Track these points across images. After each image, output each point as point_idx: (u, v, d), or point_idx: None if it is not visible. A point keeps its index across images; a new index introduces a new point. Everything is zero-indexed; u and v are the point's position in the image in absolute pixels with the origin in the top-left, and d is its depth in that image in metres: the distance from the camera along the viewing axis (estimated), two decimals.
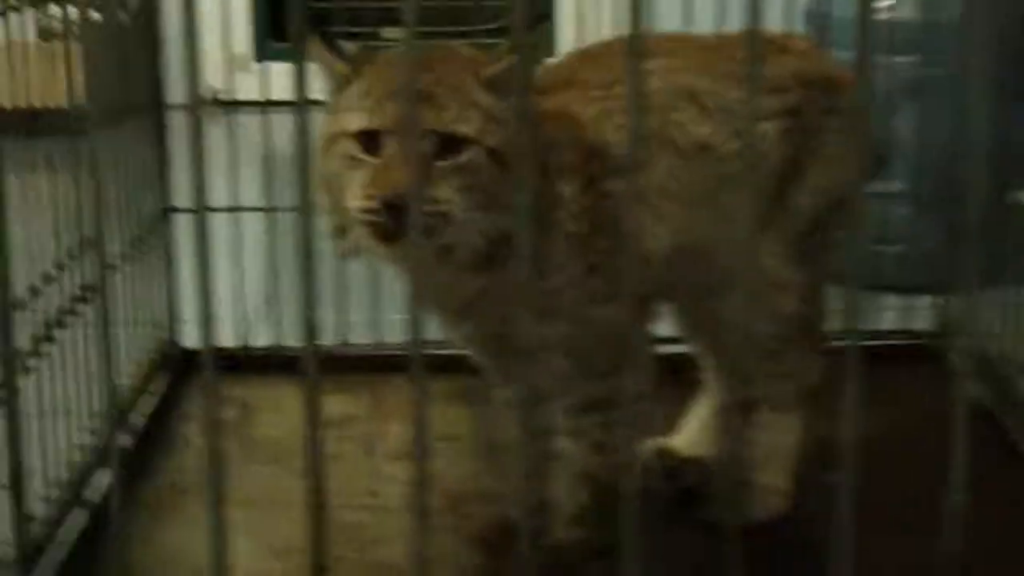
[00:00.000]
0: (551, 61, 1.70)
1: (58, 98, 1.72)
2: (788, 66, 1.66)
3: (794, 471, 1.77)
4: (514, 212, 1.39)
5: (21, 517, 1.43)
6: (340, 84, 1.42)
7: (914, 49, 2.22)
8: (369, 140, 1.35)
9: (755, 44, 0.91)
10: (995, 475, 1.71)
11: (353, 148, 1.36)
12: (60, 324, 1.72)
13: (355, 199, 1.35)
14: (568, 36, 3.69)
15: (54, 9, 1.73)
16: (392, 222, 1.31)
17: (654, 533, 1.69)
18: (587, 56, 1.65)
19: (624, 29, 2.26)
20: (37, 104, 1.66)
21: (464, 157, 1.35)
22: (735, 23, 1.99)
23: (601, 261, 1.50)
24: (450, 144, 1.35)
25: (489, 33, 4.27)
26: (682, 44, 1.67)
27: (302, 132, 0.88)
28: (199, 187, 0.89)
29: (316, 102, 1.40)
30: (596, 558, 1.59)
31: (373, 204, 1.32)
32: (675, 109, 1.57)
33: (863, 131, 1.71)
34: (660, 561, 1.62)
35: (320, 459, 0.93)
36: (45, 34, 1.74)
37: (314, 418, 0.90)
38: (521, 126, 1.39)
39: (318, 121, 1.42)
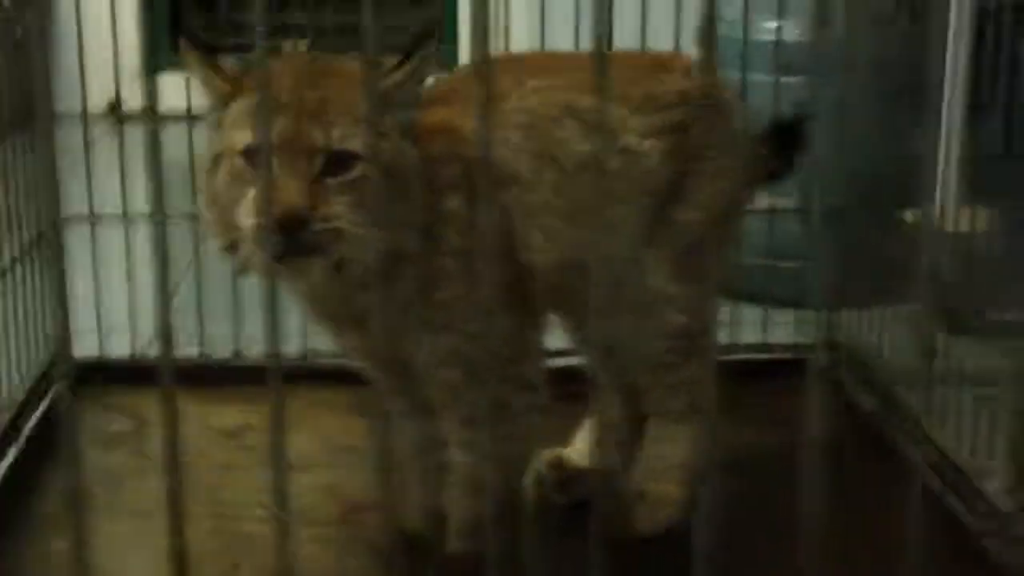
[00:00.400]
0: (441, 77, 1.70)
1: None
2: (673, 84, 1.68)
3: (689, 482, 1.79)
4: (403, 228, 1.41)
5: None
6: (223, 100, 1.41)
7: (801, 70, 2.27)
8: (256, 156, 1.34)
9: (602, 63, 0.93)
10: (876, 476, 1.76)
11: (241, 165, 1.35)
12: None
13: (246, 217, 1.33)
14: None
15: None
16: (283, 240, 1.30)
17: (549, 543, 1.72)
18: (470, 74, 1.65)
19: (531, 46, 2.29)
20: None
21: (353, 174, 1.35)
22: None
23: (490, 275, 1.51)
24: (339, 161, 1.34)
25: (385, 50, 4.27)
26: (563, 63, 1.68)
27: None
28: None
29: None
30: (489, 569, 1.60)
31: (264, 223, 1.31)
32: (558, 127, 1.58)
33: (745, 147, 1.76)
34: (556, 570, 1.65)
35: (178, 471, 0.92)
36: None
37: (171, 434, 0.89)
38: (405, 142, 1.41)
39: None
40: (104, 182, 2.26)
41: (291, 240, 1.30)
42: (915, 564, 0.92)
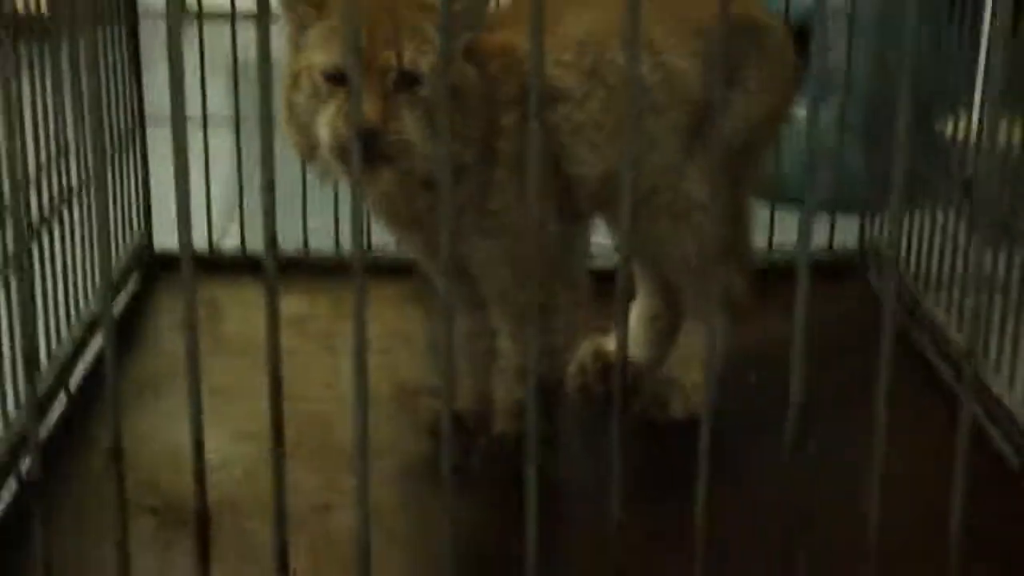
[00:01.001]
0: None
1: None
2: (712, 9, 1.78)
3: (718, 372, 1.93)
4: (464, 142, 1.54)
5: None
6: (303, 23, 1.54)
7: None
8: (334, 76, 1.49)
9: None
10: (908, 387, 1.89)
11: (320, 83, 1.50)
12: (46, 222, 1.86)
13: (325, 131, 1.48)
14: None
15: None
16: (362, 151, 1.44)
17: (589, 425, 1.87)
18: None
19: None
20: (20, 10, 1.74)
21: (421, 92, 1.49)
22: None
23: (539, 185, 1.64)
24: (409, 79, 1.49)
25: None
26: None
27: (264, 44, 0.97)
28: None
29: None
30: (531, 447, 1.75)
31: (343, 135, 1.46)
32: (606, 48, 1.70)
33: (784, 66, 1.87)
34: (594, 451, 1.80)
35: (279, 352, 1.06)
36: None
37: (273, 315, 1.02)
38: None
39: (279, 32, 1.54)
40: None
41: (366, 150, 1.44)
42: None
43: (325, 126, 1.48)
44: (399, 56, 1.48)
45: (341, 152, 1.47)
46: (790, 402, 1.00)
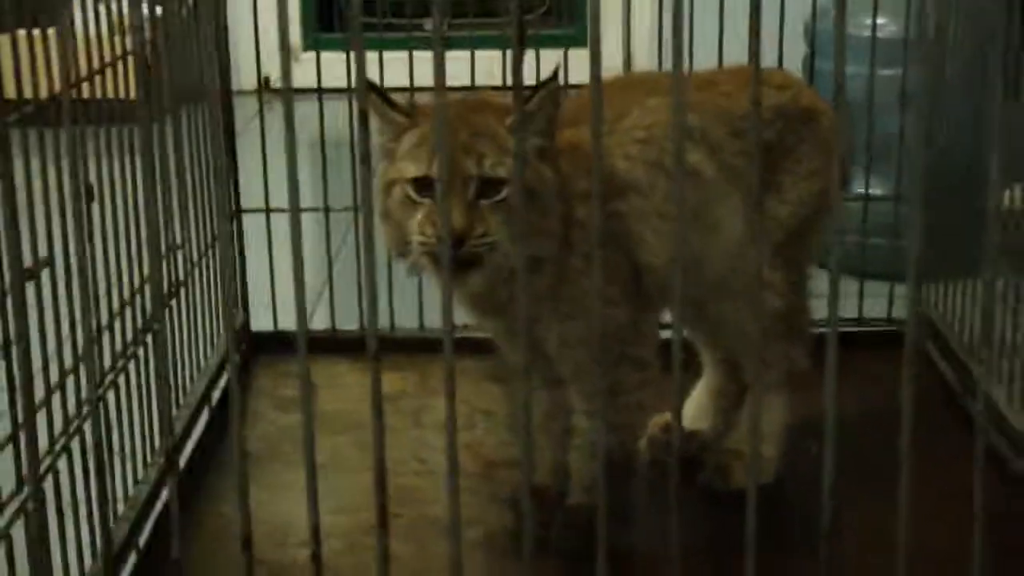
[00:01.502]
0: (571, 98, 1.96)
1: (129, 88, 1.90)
2: (767, 100, 1.92)
3: (781, 444, 2.05)
4: (542, 237, 1.68)
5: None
6: (396, 133, 1.69)
7: (896, 62, 2.47)
8: (423, 185, 1.63)
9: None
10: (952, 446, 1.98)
11: (410, 192, 1.64)
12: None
13: (416, 235, 1.62)
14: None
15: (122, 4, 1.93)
16: (450, 256, 1.58)
17: (660, 496, 1.99)
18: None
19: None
20: (111, 95, 1.85)
21: (502, 195, 1.63)
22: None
23: (612, 272, 1.78)
24: (490, 185, 1.62)
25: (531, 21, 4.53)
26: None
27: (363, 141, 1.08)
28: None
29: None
30: (604, 518, 1.87)
31: (431, 239, 1.60)
32: (669, 141, 1.82)
33: (837, 151, 1.99)
34: (664, 520, 1.90)
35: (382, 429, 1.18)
36: (114, 28, 1.97)
37: (377, 391, 1.14)
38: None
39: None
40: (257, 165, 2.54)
41: (455, 254, 1.58)
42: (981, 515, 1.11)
43: (416, 232, 1.62)
44: (480, 164, 1.62)
45: (432, 256, 1.61)
46: (823, 486, 1.10)
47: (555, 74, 1.68)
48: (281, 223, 2.49)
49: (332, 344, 2.52)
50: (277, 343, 2.54)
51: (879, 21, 2.55)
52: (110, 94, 1.87)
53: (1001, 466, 2.06)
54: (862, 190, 2.53)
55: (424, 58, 2.18)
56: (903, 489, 1.09)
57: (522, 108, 1.63)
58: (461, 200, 1.60)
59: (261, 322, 2.57)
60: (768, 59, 2.31)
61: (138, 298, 1.95)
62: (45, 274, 1.56)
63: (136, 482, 1.89)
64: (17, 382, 1.41)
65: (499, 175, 1.62)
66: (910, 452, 1.10)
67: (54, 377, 1.64)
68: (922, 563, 1.10)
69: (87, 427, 1.65)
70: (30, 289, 1.44)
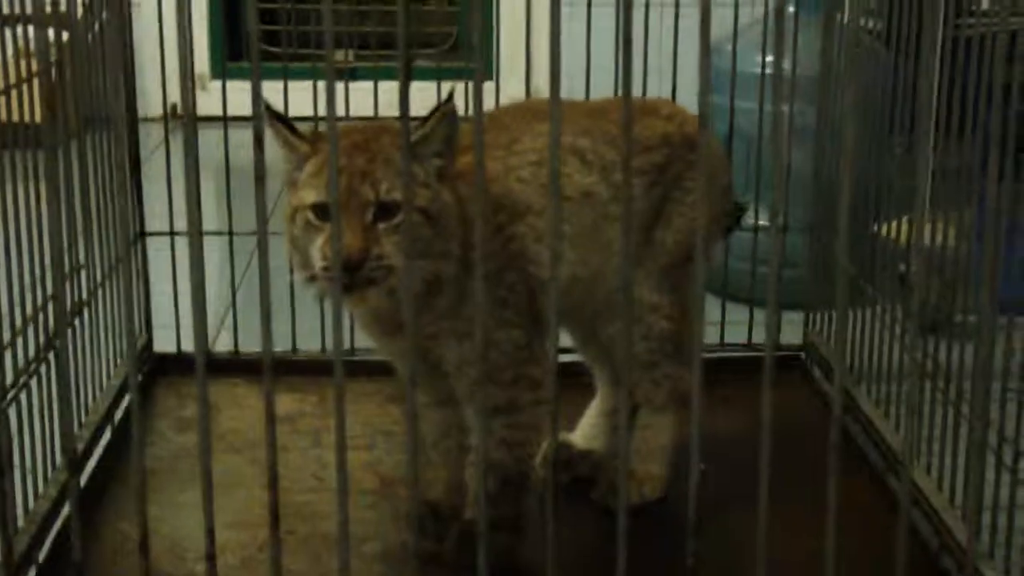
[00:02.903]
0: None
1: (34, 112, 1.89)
2: (655, 129, 2.01)
3: (669, 462, 2.12)
4: (441, 258, 1.73)
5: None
6: (299, 161, 1.73)
7: (786, 99, 2.57)
8: (322, 210, 1.68)
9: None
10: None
11: (311, 217, 1.69)
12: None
13: (317, 260, 1.67)
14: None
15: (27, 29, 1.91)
16: (347, 277, 1.63)
17: (555, 512, 2.04)
18: (490, 120, 1.96)
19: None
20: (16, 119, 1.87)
21: (398, 218, 1.67)
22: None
23: (508, 294, 1.85)
24: (387, 209, 1.67)
25: (436, 55, 4.59)
26: (569, 109, 1.99)
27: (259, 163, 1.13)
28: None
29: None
30: (504, 532, 1.92)
31: (328, 265, 1.65)
32: (563, 163, 1.89)
33: (720, 180, 2.08)
34: (556, 535, 1.96)
35: (275, 447, 1.22)
36: (18, 52, 1.99)
37: (270, 411, 1.18)
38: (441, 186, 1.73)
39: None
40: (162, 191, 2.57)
41: (353, 277, 1.63)
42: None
43: (317, 256, 1.67)
44: (375, 189, 1.68)
45: (329, 279, 1.66)
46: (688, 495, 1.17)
47: (450, 96, 1.74)
48: (185, 247, 2.53)
49: (234, 366, 2.56)
50: (179, 364, 2.56)
51: (768, 59, 2.65)
52: (15, 117, 1.89)
53: (877, 478, 2.16)
54: (752, 221, 2.62)
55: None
56: (761, 501, 1.16)
57: (408, 135, 1.69)
58: (358, 224, 1.64)
59: (163, 344, 2.59)
60: (663, 91, 2.40)
61: (41, 317, 1.97)
62: None
63: (36, 497, 1.91)
64: None
65: (395, 199, 1.67)
66: (768, 467, 1.16)
67: None
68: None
69: None
70: None
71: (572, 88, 2.54)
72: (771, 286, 1.12)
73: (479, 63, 1.09)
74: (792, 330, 2.66)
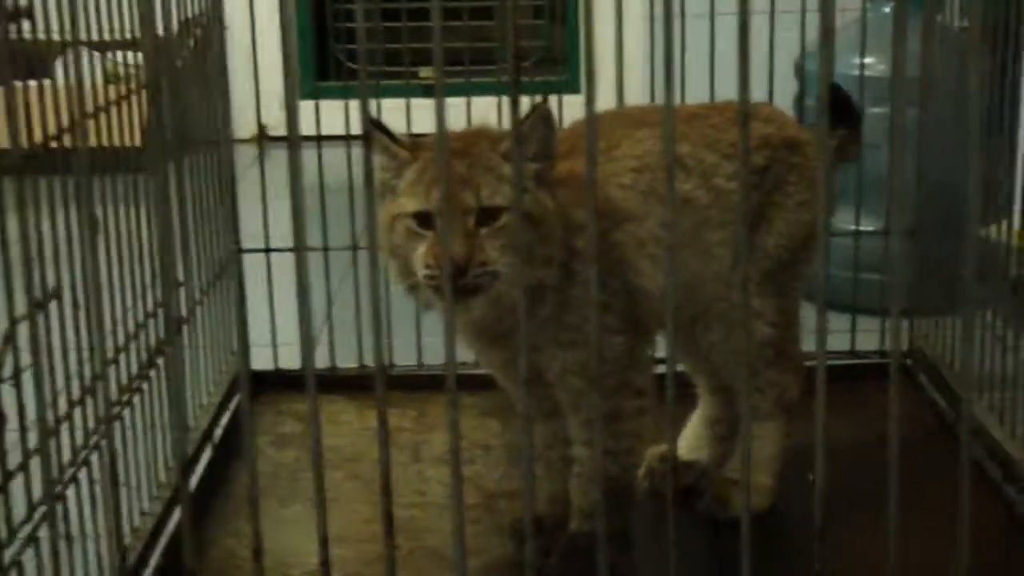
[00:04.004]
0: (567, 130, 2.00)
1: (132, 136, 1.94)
2: (755, 132, 1.97)
3: (777, 472, 2.08)
4: (544, 264, 1.71)
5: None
6: (399, 170, 1.72)
7: (883, 101, 2.53)
8: (423, 218, 1.67)
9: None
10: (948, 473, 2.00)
11: (412, 225, 1.68)
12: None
13: (420, 268, 1.66)
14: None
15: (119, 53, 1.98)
16: (452, 285, 1.61)
17: (659, 524, 2.01)
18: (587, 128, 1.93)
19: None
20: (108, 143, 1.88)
21: (500, 223, 1.66)
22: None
23: (611, 300, 1.82)
24: (488, 214, 1.66)
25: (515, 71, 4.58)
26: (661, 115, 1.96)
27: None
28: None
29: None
30: (608, 545, 1.89)
31: (434, 272, 1.64)
32: (662, 170, 1.86)
33: (822, 182, 2.03)
34: (664, 548, 1.93)
35: (388, 462, 1.21)
36: (111, 77, 2.01)
37: (383, 426, 1.17)
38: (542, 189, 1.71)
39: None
40: (257, 209, 2.58)
41: (457, 283, 1.61)
42: (964, 541, 1.15)
43: (420, 265, 1.66)
44: (477, 194, 1.66)
45: (436, 287, 1.65)
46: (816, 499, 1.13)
47: (545, 98, 1.72)
48: (280, 264, 2.54)
49: (331, 382, 2.55)
50: (276, 381, 2.56)
51: (867, 60, 2.60)
52: (115, 141, 1.91)
53: (997, 496, 2.09)
54: (853, 226, 2.57)
55: (421, 105, 2.23)
56: (889, 514, 1.12)
57: (518, 131, 1.68)
58: (461, 230, 1.63)
59: (259, 361, 2.59)
60: (758, 96, 2.36)
61: (142, 335, 1.98)
62: (55, 307, 1.59)
63: (142, 514, 1.92)
64: (28, 411, 1.44)
65: (496, 203, 1.66)
66: (897, 477, 1.13)
67: (62, 408, 1.67)
68: None
69: (94, 458, 1.69)
70: (39, 320, 1.48)
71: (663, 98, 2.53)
72: (896, 292, 1.09)
73: (592, 68, 1.07)
74: (890, 337, 2.59)
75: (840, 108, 2.15)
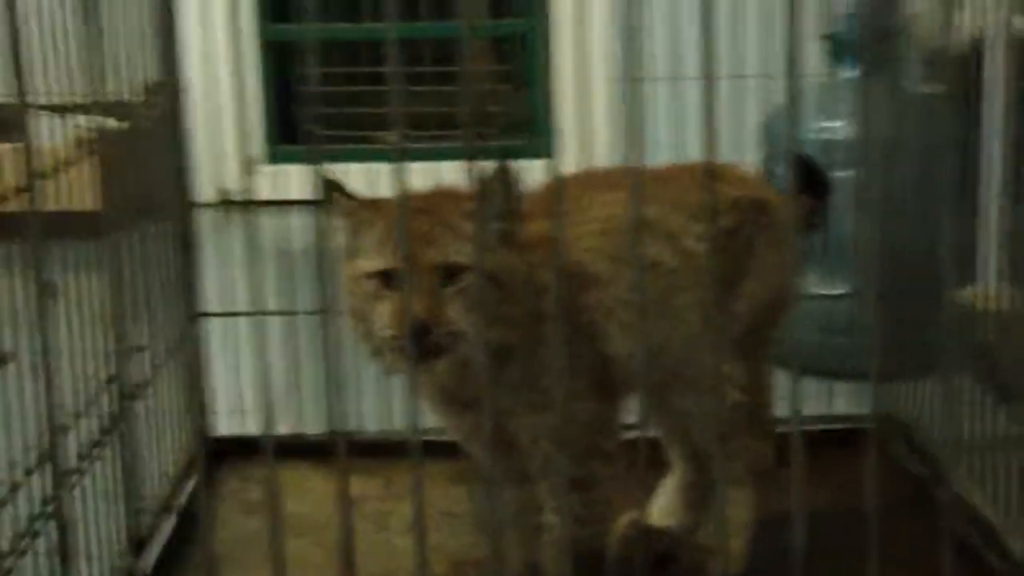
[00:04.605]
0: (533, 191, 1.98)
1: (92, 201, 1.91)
2: (723, 193, 1.95)
3: (749, 538, 2.04)
4: (510, 325, 1.68)
5: None
6: (358, 229, 1.69)
7: (850, 164, 2.53)
8: (386, 277, 1.64)
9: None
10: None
11: (374, 285, 1.65)
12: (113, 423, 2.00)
13: (383, 329, 1.63)
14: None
15: (81, 118, 1.92)
16: (416, 345, 1.58)
17: None
18: (554, 190, 1.92)
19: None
20: (74, 207, 1.84)
21: (464, 282, 1.63)
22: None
23: (578, 364, 1.79)
24: (452, 273, 1.63)
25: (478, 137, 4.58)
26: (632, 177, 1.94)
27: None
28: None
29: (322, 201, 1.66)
30: None
31: (398, 333, 1.60)
32: (628, 233, 1.83)
33: (791, 245, 2.02)
34: None
35: (350, 530, 1.17)
36: (77, 140, 1.98)
37: (344, 492, 1.14)
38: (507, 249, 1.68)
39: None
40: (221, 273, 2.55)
41: (421, 344, 1.58)
42: None
43: (382, 326, 1.63)
44: (441, 252, 1.63)
45: (399, 348, 1.61)
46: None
47: (506, 157, 1.70)
48: (244, 328, 2.50)
49: (297, 448, 2.51)
50: (241, 447, 2.51)
51: (834, 124, 2.61)
52: (72, 206, 1.87)
53: (978, 564, 2.06)
54: (821, 290, 2.56)
55: (385, 171, 2.21)
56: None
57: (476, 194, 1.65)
58: (425, 289, 1.60)
59: (225, 427, 2.55)
60: (725, 158, 2.35)
61: (102, 400, 1.93)
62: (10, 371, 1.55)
63: None
64: None
65: (459, 261, 1.63)
66: (876, 539, 1.10)
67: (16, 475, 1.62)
68: None
69: (51, 527, 1.64)
70: None
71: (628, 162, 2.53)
72: (873, 353, 1.07)
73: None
74: (862, 401, 2.58)
75: (810, 177, 2.15)
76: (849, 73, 3.04)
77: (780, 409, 2.19)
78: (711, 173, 2.00)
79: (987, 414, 2.16)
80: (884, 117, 2.51)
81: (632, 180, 1.06)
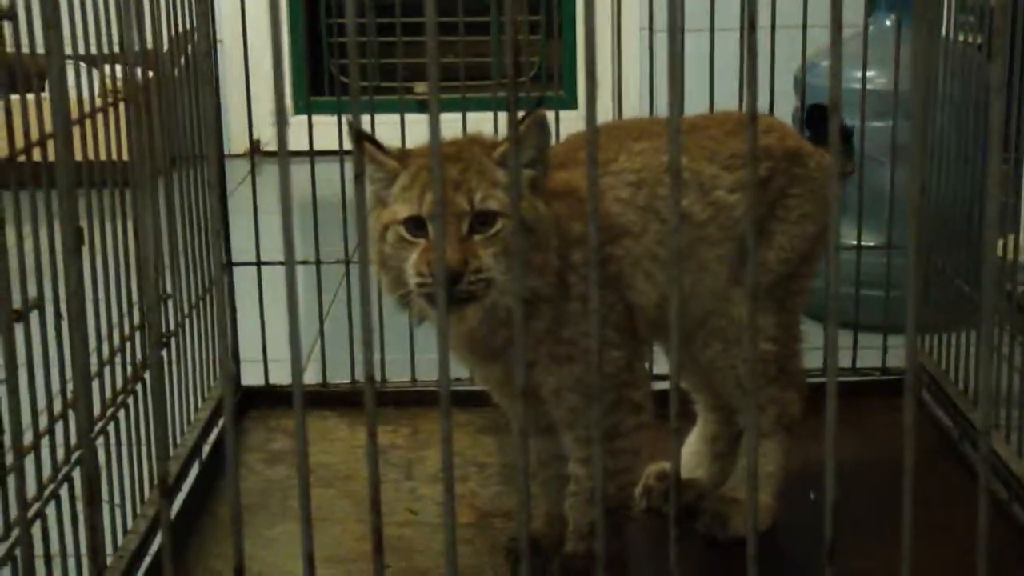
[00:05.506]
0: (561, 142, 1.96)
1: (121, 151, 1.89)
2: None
3: (777, 490, 2.03)
4: (540, 274, 1.66)
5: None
6: (388, 179, 1.68)
7: (887, 115, 2.49)
8: (416, 225, 1.63)
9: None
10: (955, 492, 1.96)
11: (404, 233, 1.63)
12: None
13: (412, 276, 1.61)
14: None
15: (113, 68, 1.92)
16: (446, 292, 1.56)
17: (657, 544, 1.97)
18: (583, 138, 1.90)
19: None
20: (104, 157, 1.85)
21: (495, 228, 1.62)
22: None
23: (608, 313, 1.77)
24: (483, 219, 1.61)
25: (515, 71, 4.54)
26: (661, 127, 1.91)
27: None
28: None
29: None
30: (604, 567, 1.85)
31: (427, 279, 1.59)
32: (660, 184, 1.83)
33: (825, 195, 1.98)
34: (662, 569, 1.89)
35: (377, 478, 1.16)
36: (107, 90, 1.97)
37: (373, 440, 1.12)
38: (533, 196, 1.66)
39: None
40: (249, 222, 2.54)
41: (451, 291, 1.56)
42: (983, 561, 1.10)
43: (412, 273, 1.61)
44: (470, 198, 1.62)
45: (428, 295, 1.60)
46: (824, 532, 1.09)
47: (539, 103, 1.68)
48: (271, 277, 2.49)
49: (323, 398, 2.51)
50: (267, 397, 2.51)
51: (869, 74, 2.56)
52: (103, 156, 1.86)
53: (1004, 515, 2.04)
54: (853, 241, 2.52)
55: (415, 121, 2.19)
56: (904, 535, 1.07)
57: (514, 135, 1.63)
58: (454, 235, 1.59)
59: (250, 377, 2.54)
60: (759, 108, 2.32)
61: (128, 347, 1.93)
62: (36, 318, 1.55)
63: (125, 532, 1.87)
64: (6, 426, 1.39)
65: (490, 208, 1.62)
66: (911, 498, 1.08)
67: (43, 423, 1.62)
68: None
69: (76, 474, 1.64)
70: (19, 332, 1.43)
71: (662, 110, 2.50)
72: (910, 307, 1.04)
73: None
74: (897, 353, 2.55)
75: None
76: (887, 21, 3.00)
77: (810, 360, 2.17)
78: (753, 120, 1.99)
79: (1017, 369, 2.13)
80: (922, 67, 2.46)
81: (670, 130, 1.03)
